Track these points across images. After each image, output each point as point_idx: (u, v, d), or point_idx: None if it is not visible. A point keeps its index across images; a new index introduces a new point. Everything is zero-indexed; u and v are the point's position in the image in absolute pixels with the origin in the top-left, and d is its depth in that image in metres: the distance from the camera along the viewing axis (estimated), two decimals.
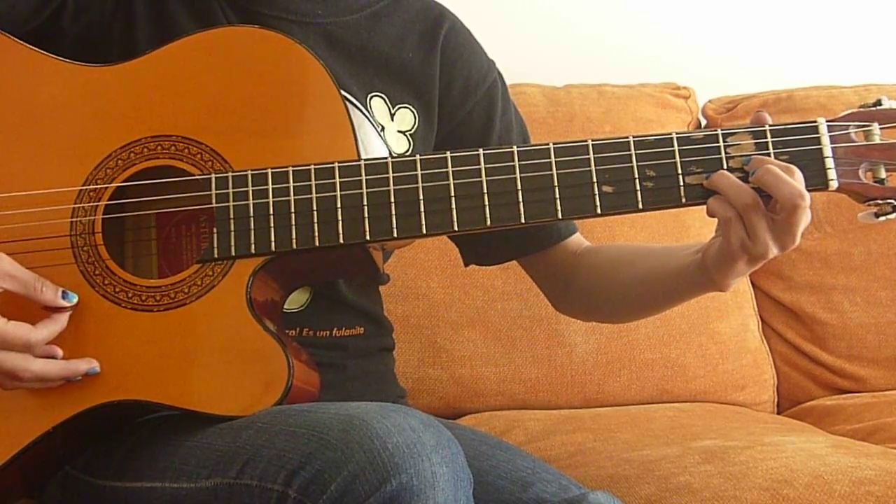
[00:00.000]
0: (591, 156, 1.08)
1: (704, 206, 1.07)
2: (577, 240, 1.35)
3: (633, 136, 1.08)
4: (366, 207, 1.07)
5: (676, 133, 1.08)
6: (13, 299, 1.04)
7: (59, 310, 1.05)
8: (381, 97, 1.26)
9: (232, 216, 1.07)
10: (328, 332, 1.23)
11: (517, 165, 1.08)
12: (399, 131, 1.27)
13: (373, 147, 1.22)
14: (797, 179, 1.03)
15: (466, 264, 1.39)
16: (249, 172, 1.08)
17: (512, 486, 1.09)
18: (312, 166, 1.07)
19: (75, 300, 1.06)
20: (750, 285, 1.93)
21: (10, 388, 1.04)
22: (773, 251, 1.05)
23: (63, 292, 1.06)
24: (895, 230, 1.90)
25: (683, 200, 1.07)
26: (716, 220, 1.08)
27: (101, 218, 1.09)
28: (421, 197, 1.07)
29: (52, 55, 1.14)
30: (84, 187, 1.10)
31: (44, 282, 1.05)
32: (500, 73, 1.37)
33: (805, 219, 1.03)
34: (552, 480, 1.09)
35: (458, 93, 1.31)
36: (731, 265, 1.07)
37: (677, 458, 1.35)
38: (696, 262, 1.12)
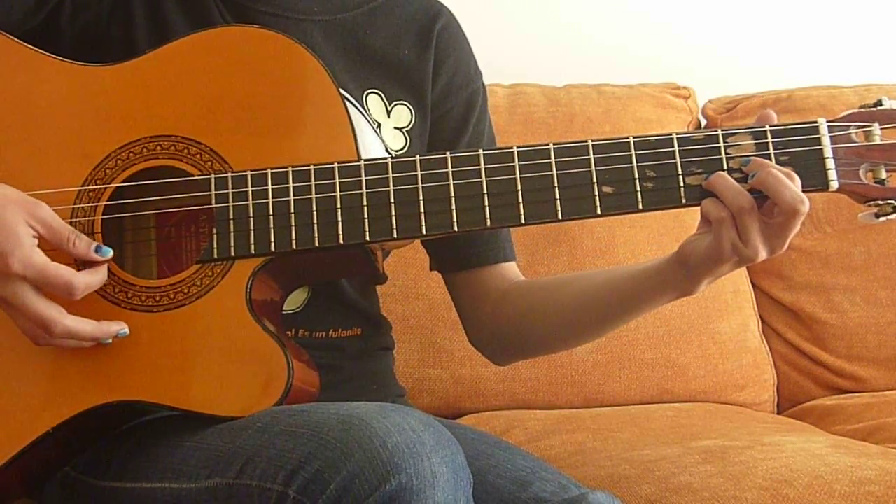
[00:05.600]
0: (592, 156, 1.07)
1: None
2: (516, 270, 1.32)
3: (634, 137, 1.08)
4: (365, 208, 1.07)
5: (676, 133, 1.08)
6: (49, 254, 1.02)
7: (93, 264, 1.04)
8: (377, 94, 1.26)
9: (231, 216, 1.07)
10: (324, 334, 1.23)
11: (517, 166, 1.07)
12: (396, 128, 1.27)
13: (369, 143, 1.21)
14: (797, 185, 1.04)
15: (432, 269, 1.36)
16: (249, 173, 1.08)
17: (511, 485, 1.09)
18: (312, 166, 1.07)
19: (110, 254, 1.05)
20: (750, 285, 1.93)
21: (41, 343, 1.02)
22: (763, 255, 1.05)
23: (97, 246, 1.04)
24: (895, 230, 1.90)
25: (683, 201, 1.07)
26: None
27: (101, 218, 1.09)
28: (421, 197, 1.07)
29: (50, 55, 1.14)
30: (83, 187, 1.10)
31: (77, 234, 1.03)
32: (484, 86, 1.36)
33: (799, 225, 1.04)
34: (552, 480, 1.09)
35: (439, 90, 1.30)
36: (717, 266, 1.06)
37: (677, 458, 1.35)
38: (670, 263, 1.11)
